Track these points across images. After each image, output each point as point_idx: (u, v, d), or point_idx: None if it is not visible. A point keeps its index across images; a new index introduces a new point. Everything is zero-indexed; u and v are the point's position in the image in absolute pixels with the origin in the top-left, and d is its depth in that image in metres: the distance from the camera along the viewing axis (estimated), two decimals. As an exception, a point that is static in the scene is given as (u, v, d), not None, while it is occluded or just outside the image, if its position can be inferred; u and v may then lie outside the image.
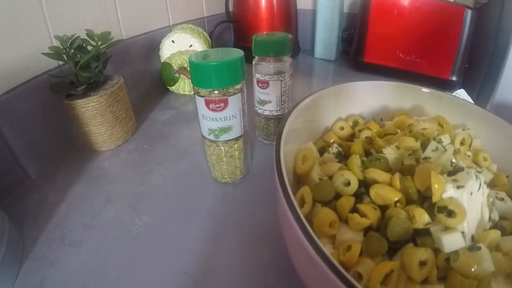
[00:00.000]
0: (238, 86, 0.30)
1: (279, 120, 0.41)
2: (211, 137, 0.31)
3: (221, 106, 0.30)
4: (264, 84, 0.38)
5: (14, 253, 0.27)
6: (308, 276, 0.17)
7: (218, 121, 0.30)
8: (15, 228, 0.29)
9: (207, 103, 0.29)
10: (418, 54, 0.64)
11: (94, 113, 0.40)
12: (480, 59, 0.66)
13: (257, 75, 0.38)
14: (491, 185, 0.27)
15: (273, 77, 0.37)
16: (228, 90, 0.29)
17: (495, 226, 0.23)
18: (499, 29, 0.60)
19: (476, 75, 0.68)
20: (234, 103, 0.30)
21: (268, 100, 0.39)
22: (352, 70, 0.72)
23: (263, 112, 0.40)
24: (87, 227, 0.31)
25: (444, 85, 0.65)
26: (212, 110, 0.30)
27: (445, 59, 0.63)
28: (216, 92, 0.29)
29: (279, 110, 0.39)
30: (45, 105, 0.39)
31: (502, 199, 0.25)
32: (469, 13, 0.59)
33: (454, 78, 0.65)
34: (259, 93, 0.39)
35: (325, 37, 0.76)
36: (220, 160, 0.33)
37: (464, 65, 0.64)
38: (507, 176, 0.27)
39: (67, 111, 0.40)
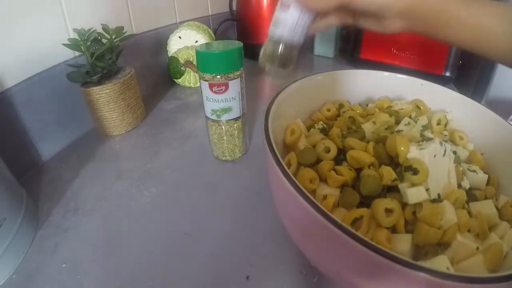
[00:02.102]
0: (237, 72, 0.34)
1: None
2: (214, 117, 0.35)
3: (222, 89, 0.33)
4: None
5: (30, 221, 0.30)
6: (288, 213, 0.20)
7: (220, 102, 0.34)
8: (31, 200, 0.32)
9: (211, 86, 0.33)
10: (412, 50, 0.67)
11: (108, 100, 0.44)
12: (475, 57, 0.68)
13: None
14: (468, 161, 0.30)
15: None
16: (229, 75, 0.33)
17: (467, 194, 0.26)
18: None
19: (472, 72, 0.71)
20: (234, 86, 0.34)
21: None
22: (349, 66, 0.76)
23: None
24: (100, 199, 0.35)
25: (438, 81, 0.67)
26: (215, 92, 0.33)
27: (438, 55, 0.66)
28: (218, 76, 0.33)
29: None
30: (61, 93, 0.43)
31: (474, 171, 0.27)
32: (461, 11, 0.62)
33: (447, 74, 0.68)
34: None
35: (324, 34, 0.79)
36: (221, 138, 0.37)
37: (457, 62, 0.67)
38: (482, 154, 0.30)
39: (83, 97, 0.44)
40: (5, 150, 0.32)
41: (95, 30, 0.43)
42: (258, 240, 0.29)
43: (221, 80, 0.33)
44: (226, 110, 0.35)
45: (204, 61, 0.33)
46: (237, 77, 0.34)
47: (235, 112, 0.35)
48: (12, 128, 0.37)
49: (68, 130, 0.45)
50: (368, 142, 0.26)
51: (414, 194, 0.21)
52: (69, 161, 0.41)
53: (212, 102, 0.34)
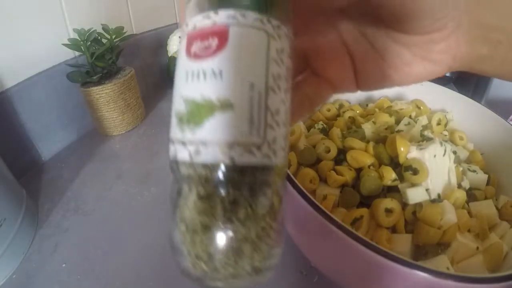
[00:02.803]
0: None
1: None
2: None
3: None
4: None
5: (30, 221, 0.30)
6: (288, 213, 0.20)
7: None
8: (31, 200, 0.32)
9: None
10: (412, 50, 0.67)
11: (108, 100, 0.44)
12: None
13: None
14: (468, 161, 0.30)
15: None
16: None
17: (467, 194, 0.26)
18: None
19: (472, 72, 0.70)
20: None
21: None
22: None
23: None
24: (100, 199, 0.34)
25: (438, 81, 0.67)
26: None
27: (438, 55, 0.66)
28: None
29: None
30: (61, 93, 0.43)
31: (474, 171, 0.27)
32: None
33: (447, 74, 0.67)
34: None
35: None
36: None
37: (457, 62, 0.67)
38: (482, 154, 0.30)
39: (83, 97, 0.44)
40: (5, 150, 0.32)
41: (95, 30, 0.43)
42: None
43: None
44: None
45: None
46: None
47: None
48: (12, 128, 0.37)
49: (68, 130, 0.45)
50: (368, 142, 0.26)
51: (414, 194, 0.21)
52: (69, 161, 0.41)
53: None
